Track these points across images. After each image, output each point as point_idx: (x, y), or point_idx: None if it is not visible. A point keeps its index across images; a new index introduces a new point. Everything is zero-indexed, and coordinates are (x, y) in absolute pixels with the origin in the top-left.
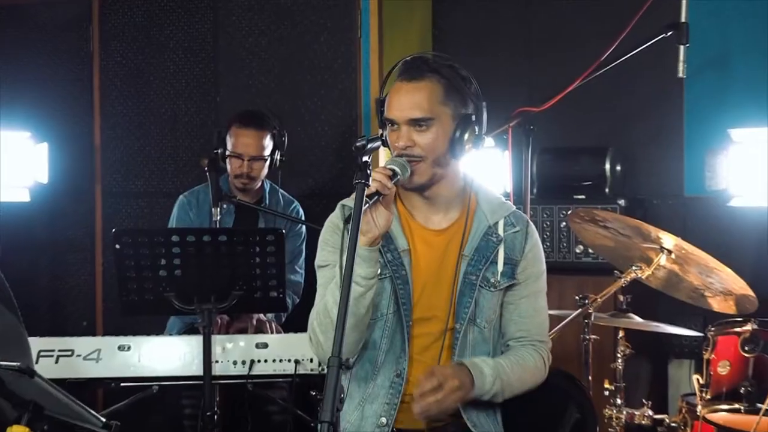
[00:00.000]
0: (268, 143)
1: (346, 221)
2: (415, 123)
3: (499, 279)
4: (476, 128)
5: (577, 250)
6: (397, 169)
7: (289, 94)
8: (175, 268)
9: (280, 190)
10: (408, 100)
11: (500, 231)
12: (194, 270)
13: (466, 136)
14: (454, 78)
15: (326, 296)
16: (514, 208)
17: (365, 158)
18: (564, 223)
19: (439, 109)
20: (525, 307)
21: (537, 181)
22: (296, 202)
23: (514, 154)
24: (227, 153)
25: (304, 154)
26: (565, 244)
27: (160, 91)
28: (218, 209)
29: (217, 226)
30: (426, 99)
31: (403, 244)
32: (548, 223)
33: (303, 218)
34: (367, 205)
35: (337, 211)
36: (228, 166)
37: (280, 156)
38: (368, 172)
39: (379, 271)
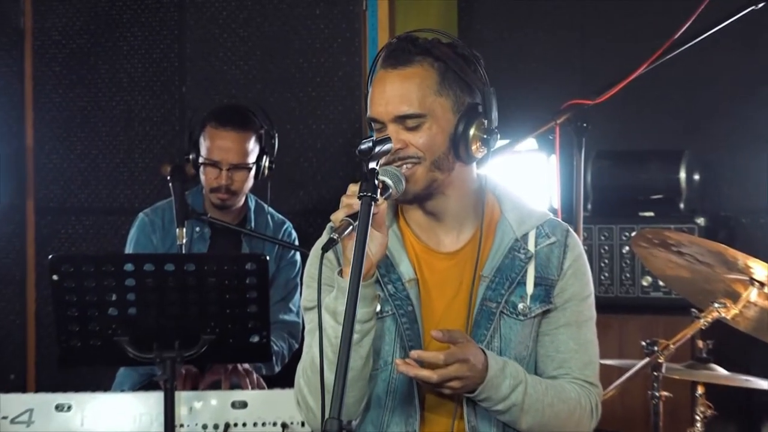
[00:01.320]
0: (253, 147)
1: (325, 248)
2: (403, 120)
3: (529, 304)
4: (484, 121)
5: (644, 283)
6: (389, 181)
7: (276, 83)
8: (128, 306)
9: (269, 209)
10: (393, 93)
11: (530, 245)
12: (153, 308)
13: (472, 131)
14: (453, 59)
15: (314, 347)
16: (550, 215)
17: (372, 164)
18: (627, 248)
19: (434, 102)
20: (564, 339)
21: (592, 193)
22: (288, 224)
23: (562, 159)
24: (201, 160)
25: (295, 160)
26: (628, 275)
27: (111, 79)
28: (184, 230)
29: (183, 251)
30: (415, 89)
31: (409, 273)
32: (606, 247)
33: (296, 242)
34: (348, 230)
35: (324, 236)
36: (202, 177)
37: (269, 163)
38: (376, 182)
39: (378, 308)
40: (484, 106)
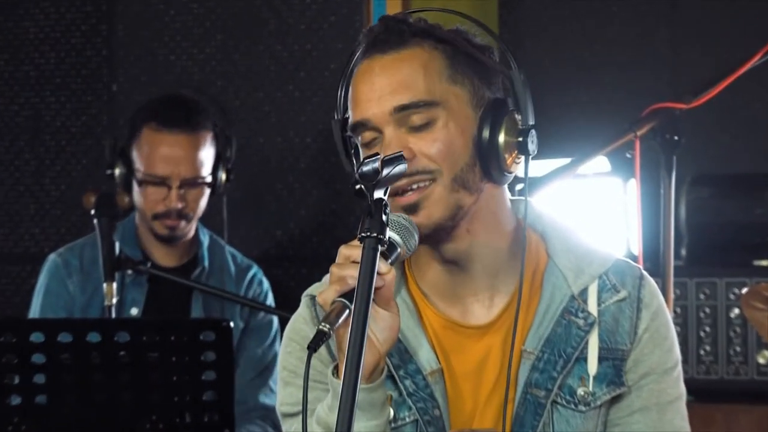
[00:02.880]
0: (208, 152)
1: (312, 346)
2: (407, 117)
3: (592, 389)
4: (518, 118)
5: (760, 360)
6: (395, 236)
7: (243, 79)
8: (36, 391)
9: (229, 248)
10: (386, 81)
11: (591, 305)
12: (72, 394)
13: (502, 134)
14: (463, 43)
15: None
16: (615, 257)
17: (378, 193)
18: (736, 311)
19: (446, 90)
20: (642, 430)
21: (687, 234)
22: (256, 268)
23: (645, 185)
24: (139, 176)
25: (270, 187)
26: (737, 349)
27: (12, 74)
28: (114, 286)
29: (112, 314)
30: (421, 72)
31: (431, 362)
32: (707, 310)
33: (269, 296)
34: (344, 316)
35: (304, 309)
36: (139, 200)
37: (226, 174)
38: (384, 217)
39: (392, 414)
40: (514, 96)
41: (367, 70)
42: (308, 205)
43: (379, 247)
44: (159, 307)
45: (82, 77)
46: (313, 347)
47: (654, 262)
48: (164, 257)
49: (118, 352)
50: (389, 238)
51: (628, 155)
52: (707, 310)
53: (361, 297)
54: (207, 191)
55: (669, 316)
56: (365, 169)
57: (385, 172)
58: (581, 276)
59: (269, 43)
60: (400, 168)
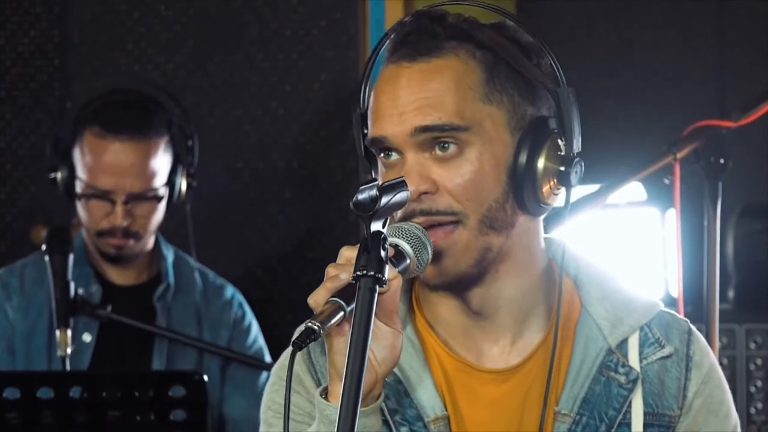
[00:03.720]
0: (162, 160)
1: (297, 343)
2: (432, 141)
3: None
4: (561, 143)
5: None
6: (405, 246)
7: (219, 92)
8: None
9: (198, 266)
10: (411, 96)
11: (632, 359)
12: None
13: (542, 160)
14: (505, 47)
15: None
16: (660, 306)
17: (376, 225)
18: None
19: (479, 111)
20: None
21: (736, 273)
22: (233, 288)
23: (686, 216)
24: (79, 189)
25: (250, 217)
26: None
27: None
28: (69, 333)
29: (67, 365)
30: (451, 90)
31: (435, 406)
32: (759, 361)
33: (253, 325)
34: (337, 317)
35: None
36: (82, 214)
37: (187, 181)
38: (383, 253)
39: None
40: (560, 118)
41: (392, 80)
42: (295, 240)
43: (377, 288)
44: (116, 333)
45: (30, 91)
46: (297, 345)
47: (696, 305)
48: (119, 275)
49: (74, 410)
50: (398, 246)
51: (666, 181)
52: (759, 361)
53: (356, 345)
54: (161, 205)
55: (722, 376)
56: (360, 197)
57: (383, 200)
58: (619, 326)
59: (250, 51)
60: (401, 196)
